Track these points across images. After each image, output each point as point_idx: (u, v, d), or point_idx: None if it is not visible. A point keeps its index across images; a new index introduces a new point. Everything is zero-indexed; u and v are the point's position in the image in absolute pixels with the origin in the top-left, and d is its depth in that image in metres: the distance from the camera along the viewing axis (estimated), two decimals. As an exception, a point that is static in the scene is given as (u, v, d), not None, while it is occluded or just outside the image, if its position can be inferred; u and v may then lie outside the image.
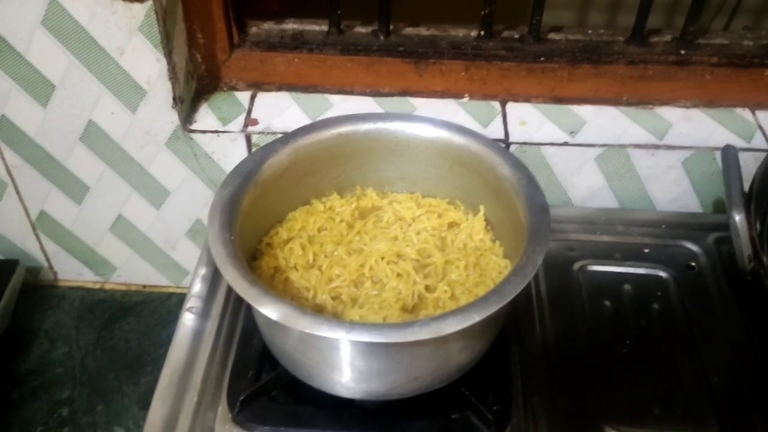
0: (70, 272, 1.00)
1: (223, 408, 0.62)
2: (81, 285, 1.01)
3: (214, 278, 0.73)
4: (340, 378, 0.56)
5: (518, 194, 0.60)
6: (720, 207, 0.84)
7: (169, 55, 0.74)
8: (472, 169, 0.65)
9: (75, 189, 0.88)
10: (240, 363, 0.65)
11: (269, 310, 0.50)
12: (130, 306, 0.99)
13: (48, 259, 0.98)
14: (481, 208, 0.67)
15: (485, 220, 0.66)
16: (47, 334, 0.95)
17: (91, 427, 0.86)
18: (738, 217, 0.64)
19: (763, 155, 0.73)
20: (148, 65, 0.74)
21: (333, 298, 0.60)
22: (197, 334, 0.68)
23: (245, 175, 0.61)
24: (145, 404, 0.81)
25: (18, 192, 0.89)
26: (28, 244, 0.96)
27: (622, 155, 0.80)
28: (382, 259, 0.62)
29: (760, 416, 0.62)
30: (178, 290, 1.00)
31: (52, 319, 0.97)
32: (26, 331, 0.95)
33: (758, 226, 0.66)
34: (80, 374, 0.91)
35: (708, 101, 0.82)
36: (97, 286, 1.01)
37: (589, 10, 1.21)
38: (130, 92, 0.77)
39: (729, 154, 0.71)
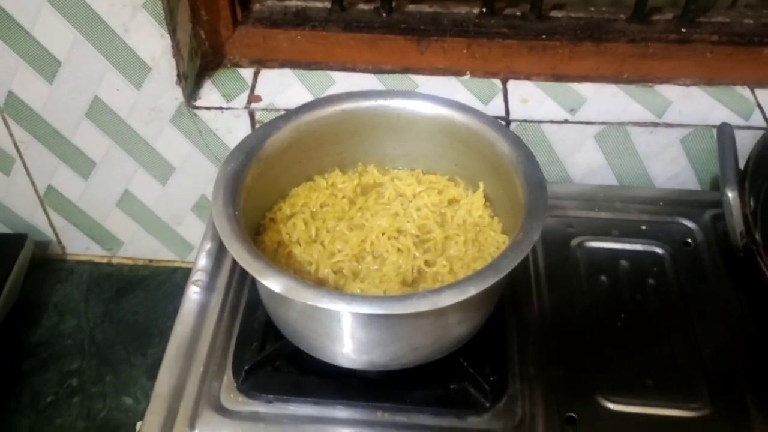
0: (78, 246, 1.02)
1: (228, 378, 0.64)
2: (89, 259, 1.03)
3: (219, 253, 0.74)
4: (342, 349, 0.57)
5: (517, 171, 0.61)
6: (717, 185, 0.84)
7: (173, 31, 0.75)
8: (472, 147, 0.66)
9: (82, 164, 0.89)
10: (244, 334, 0.67)
11: (273, 282, 0.51)
12: (137, 280, 1.01)
13: (56, 234, 1.00)
14: (481, 184, 0.67)
15: (484, 196, 0.67)
16: (56, 307, 0.97)
17: (101, 397, 0.88)
18: (731, 194, 0.65)
19: (761, 133, 0.73)
20: (153, 42, 0.75)
21: (335, 272, 0.61)
22: (203, 307, 0.69)
23: (248, 152, 0.62)
24: (152, 375, 0.82)
25: (26, 167, 0.90)
26: (36, 218, 0.97)
27: (622, 133, 0.81)
28: (383, 234, 0.64)
29: (749, 388, 0.63)
30: (184, 265, 1.02)
31: (61, 292, 0.99)
32: (35, 304, 0.97)
33: (752, 203, 0.67)
34: (89, 346, 0.93)
35: (708, 79, 0.82)
36: (105, 260, 1.03)
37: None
38: (134, 69, 0.78)
39: (724, 132, 0.71)
